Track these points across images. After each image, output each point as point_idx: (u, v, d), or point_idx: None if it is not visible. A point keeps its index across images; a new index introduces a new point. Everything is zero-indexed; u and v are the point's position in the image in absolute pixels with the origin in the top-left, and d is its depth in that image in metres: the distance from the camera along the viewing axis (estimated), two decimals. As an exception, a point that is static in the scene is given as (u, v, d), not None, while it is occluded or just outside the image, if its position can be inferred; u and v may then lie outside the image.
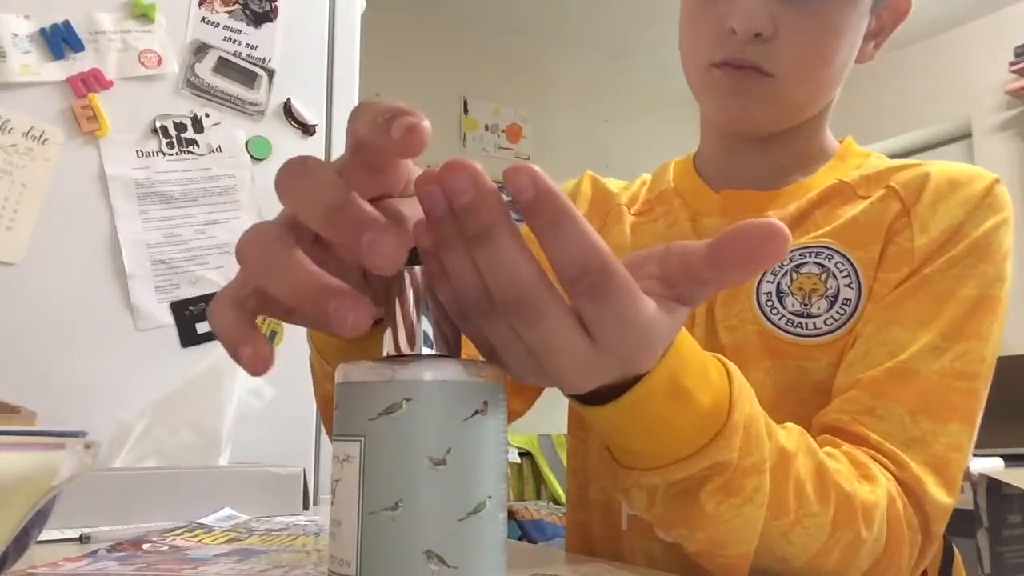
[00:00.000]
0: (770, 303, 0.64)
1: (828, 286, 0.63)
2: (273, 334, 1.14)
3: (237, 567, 0.50)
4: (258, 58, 1.19)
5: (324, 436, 1.15)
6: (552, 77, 3.99)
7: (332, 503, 0.35)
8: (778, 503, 0.46)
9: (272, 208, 1.21)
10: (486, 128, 3.78)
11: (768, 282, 0.65)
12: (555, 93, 4.00)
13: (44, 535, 0.50)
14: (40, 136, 1.06)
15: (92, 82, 1.09)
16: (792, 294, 0.63)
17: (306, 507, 0.83)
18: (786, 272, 0.64)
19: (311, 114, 1.20)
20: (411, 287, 0.35)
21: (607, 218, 0.78)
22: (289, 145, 1.18)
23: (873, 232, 0.63)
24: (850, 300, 0.62)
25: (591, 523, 0.72)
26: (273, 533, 0.66)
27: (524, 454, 3.27)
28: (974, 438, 0.59)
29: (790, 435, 0.49)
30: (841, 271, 0.63)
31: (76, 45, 1.09)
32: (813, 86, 0.66)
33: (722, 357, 0.44)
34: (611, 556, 0.69)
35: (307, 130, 1.20)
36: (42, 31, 1.08)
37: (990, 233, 0.62)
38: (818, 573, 0.50)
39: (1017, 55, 3.35)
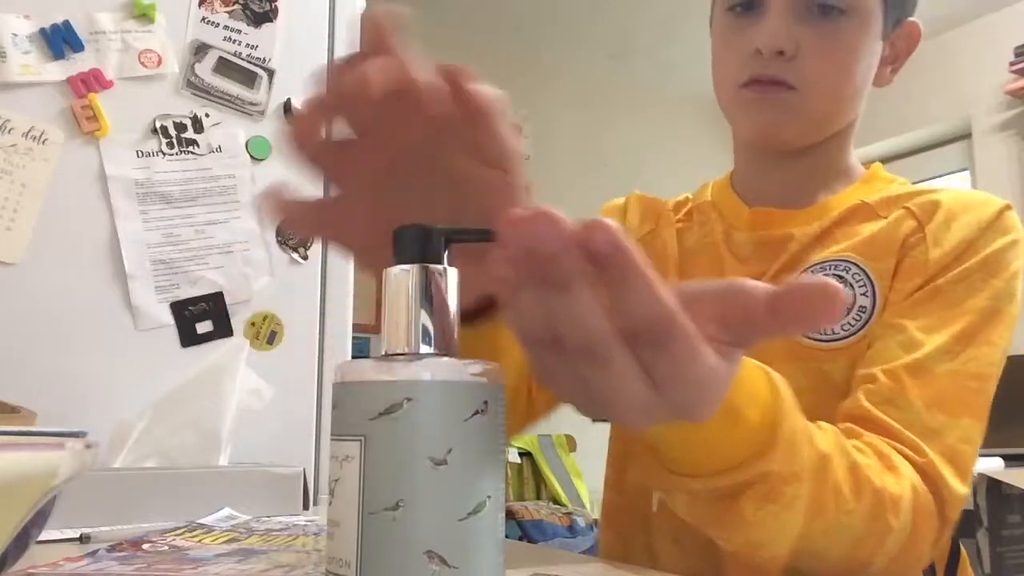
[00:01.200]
0: None
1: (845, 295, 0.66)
2: (273, 334, 1.14)
3: (237, 567, 0.50)
4: (258, 58, 1.19)
5: (324, 436, 1.15)
6: (552, 77, 3.99)
7: (330, 503, 0.35)
8: (818, 504, 0.49)
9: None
10: (486, 128, 3.77)
11: None
12: (555, 93, 4.00)
13: (44, 535, 0.50)
14: (40, 136, 1.06)
15: (92, 82, 1.09)
16: None
17: (306, 507, 0.83)
18: None
19: (311, 114, 1.20)
20: (412, 286, 0.35)
21: (658, 223, 0.83)
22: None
23: (888, 247, 0.68)
24: (865, 307, 0.67)
25: (627, 507, 0.76)
26: (273, 533, 0.66)
27: (524, 454, 3.27)
28: (983, 434, 0.62)
29: (825, 436, 0.52)
30: (858, 281, 0.68)
31: (76, 45, 1.09)
32: (834, 100, 0.71)
33: (768, 369, 0.47)
34: (644, 535, 0.74)
35: (307, 130, 1.20)
36: (42, 31, 1.07)
37: (1000, 252, 0.66)
38: (851, 564, 0.54)
39: (1017, 55, 3.34)
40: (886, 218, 0.70)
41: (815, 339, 0.67)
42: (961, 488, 0.59)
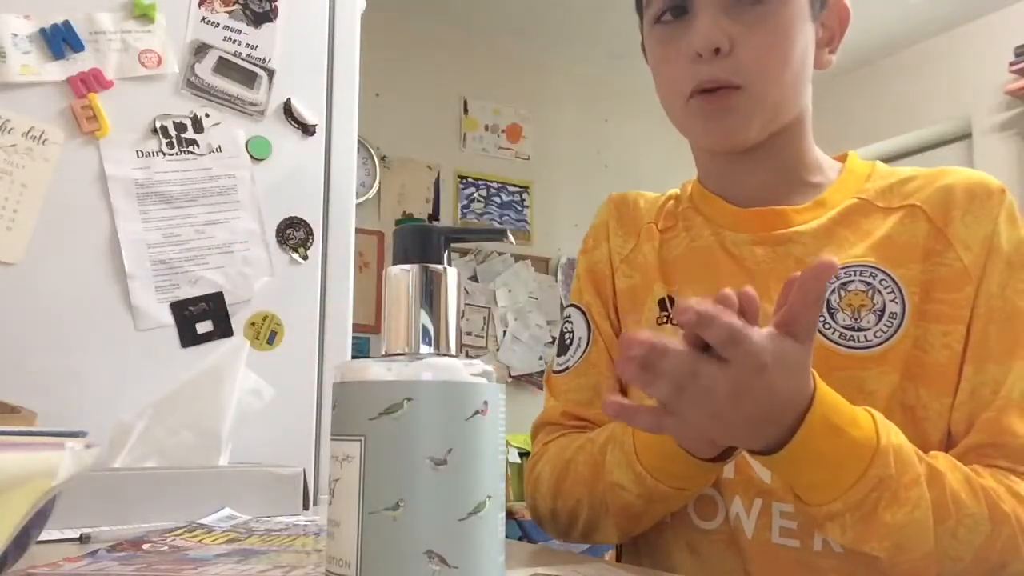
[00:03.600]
0: (822, 318, 0.69)
1: (875, 302, 0.68)
2: (273, 334, 1.14)
3: (237, 567, 0.50)
4: (258, 58, 1.19)
5: (324, 436, 1.15)
6: (552, 77, 3.99)
7: (330, 503, 0.35)
8: (940, 510, 0.57)
9: (272, 208, 1.21)
10: (486, 128, 3.78)
11: None
12: (555, 93, 4.00)
13: (44, 535, 0.50)
14: (40, 136, 1.06)
15: (92, 82, 1.09)
16: (842, 310, 0.69)
17: (306, 507, 0.83)
18: (834, 290, 0.70)
19: (311, 114, 1.20)
20: (412, 285, 0.35)
21: (639, 238, 0.83)
22: (289, 145, 1.18)
23: (909, 251, 0.69)
24: (896, 314, 0.68)
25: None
26: (273, 533, 0.66)
27: (524, 454, 3.27)
28: None
29: (936, 458, 0.60)
30: (885, 287, 0.68)
31: (76, 45, 1.09)
32: (779, 88, 0.71)
33: (871, 409, 0.58)
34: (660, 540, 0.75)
35: (307, 130, 1.20)
36: (42, 31, 1.07)
37: (1020, 245, 0.68)
38: (986, 563, 0.59)
39: (1017, 55, 3.34)
40: (888, 209, 0.71)
41: (849, 347, 0.67)
42: None
